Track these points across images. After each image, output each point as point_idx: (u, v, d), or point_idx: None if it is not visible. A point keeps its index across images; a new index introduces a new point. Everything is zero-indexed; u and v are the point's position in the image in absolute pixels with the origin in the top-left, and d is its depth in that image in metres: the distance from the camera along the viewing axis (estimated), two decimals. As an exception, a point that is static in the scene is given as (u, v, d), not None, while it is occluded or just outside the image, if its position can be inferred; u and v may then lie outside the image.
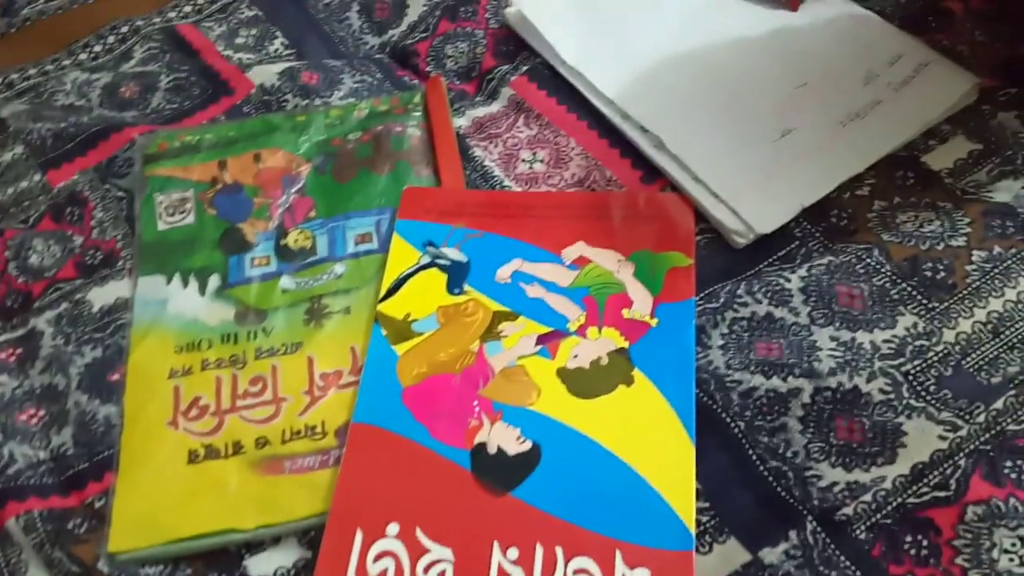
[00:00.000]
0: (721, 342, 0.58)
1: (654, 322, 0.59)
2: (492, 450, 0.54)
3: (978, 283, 0.57)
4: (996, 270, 0.58)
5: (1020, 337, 0.55)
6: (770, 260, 0.62)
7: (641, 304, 0.60)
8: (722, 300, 0.60)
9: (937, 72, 0.69)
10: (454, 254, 0.63)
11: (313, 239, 0.66)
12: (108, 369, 0.62)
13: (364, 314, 0.61)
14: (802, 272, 0.60)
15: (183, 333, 0.61)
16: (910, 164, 0.65)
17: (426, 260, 0.63)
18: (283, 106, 0.76)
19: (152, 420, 0.57)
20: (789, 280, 0.60)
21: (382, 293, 0.62)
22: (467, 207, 0.66)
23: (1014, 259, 0.58)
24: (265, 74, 0.79)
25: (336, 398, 0.57)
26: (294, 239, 0.66)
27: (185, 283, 0.64)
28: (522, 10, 0.77)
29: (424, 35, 0.81)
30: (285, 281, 0.64)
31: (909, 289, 0.58)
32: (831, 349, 0.56)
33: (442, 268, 0.63)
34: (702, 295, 0.61)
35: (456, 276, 0.62)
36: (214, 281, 0.64)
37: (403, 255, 0.63)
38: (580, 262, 0.62)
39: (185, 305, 0.63)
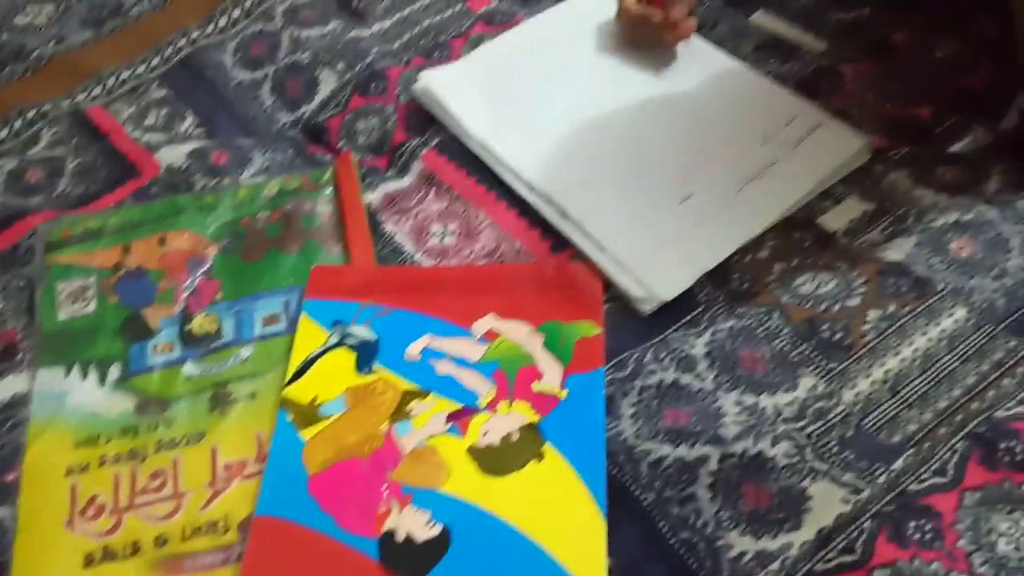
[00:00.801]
0: (631, 411, 0.58)
1: (564, 394, 0.59)
2: (400, 537, 0.53)
3: (874, 342, 0.59)
4: (891, 329, 0.59)
5: (917, 394, 0.57)
6: (676, 326, 0.62)
7: (551, 376, 0.60)
8: (630, 369, 0.60)
9: (829, 133, 0.71)
10: (363, 332, 0.63)
11: (219, 323, 0.65)
12: (3, 470, 0.59)
13: (270, 399, 0.60)
14: (707, 337, 0.61)
15: (81, 428, 0.59)
16: (807, 226, 0.66)
17: (334, 340, 0.62)
18: (191, 187, 0.76)
19: (48, 522, 0.55)
20: (694, 346, 0.61)
21: (288, 376, 0.61)
22: (377, 284, 0.66)
23: (908, 317, 0.60)
24: (173, 155, 0.78)
25: (240, 489, 0.56)
26: (199, 324, 0.65)
27: (84, 374, 0.62)
28: (430, 85, 0.78)
29: (336, 111, 0.82)
30: (189, 368, 0.62)
31: (808, 351, 0.59)
32: (736, 414, 0.57)
33: (351, 347, 0.62)
34: (612, 364, 0.61)
35: (365, 355, 0.62)
36: (114, 371, 0.62)
37: (311, 336, 0.63)
38: (490, 335, 0.62)
39: (84, 398, 0.61)
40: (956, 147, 0.70)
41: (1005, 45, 0.70)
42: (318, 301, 0.65)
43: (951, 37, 0.76)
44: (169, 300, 0.66)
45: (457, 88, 0.77)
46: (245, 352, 0.63)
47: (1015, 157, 0.68)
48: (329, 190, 0.74)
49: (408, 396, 0.59)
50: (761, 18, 0.83)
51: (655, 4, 0.76)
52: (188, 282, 0.67)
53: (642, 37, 0.78)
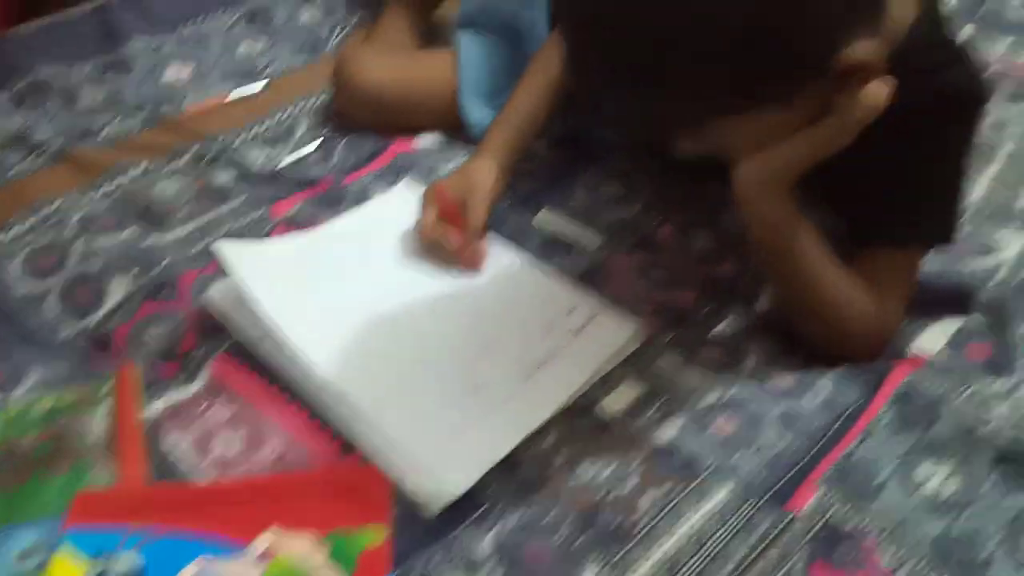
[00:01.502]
0: (417, 620, 0.56)
1: (346, 610, 0.56)
2: None
3: (650, 526, 0.60)
4: (665, 510, 0.61)
5: (695, 573, 0.58)
6: (465, 524, 0.62)
7: (334, 592, 0.58)
8: (418, 574, 0.59)
9: (606, 321, 0.76)
10: (128, 562, 0.58)
11: (-33, 562, 0.59)
12: None
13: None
14: (494, 533, 0.61)
15: None
16: (587, 412, 0.69)
17: (94, 573, 0.58)
18: (-45, 409, 0.71)
19: None
20: (482, 542, 0.60)
21: (41, 619, 0.55)
22: (148, 505, 0.62)
23: (680, 497, 0.62)
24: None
25: None
26: (-57, 566, 0.59)
27: None
28: (220, 290, 0.78)
29: (124, 319, 0.80)
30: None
31: (590, 540, 0.60)
32: (521, 614, 0.56)
33: (115, 578, 0.58)
34: (400, 569, 0.59)
35: (131, 586, 0.57)
36: None
37: (67, 573, 0.58)
38: (270, 553, 0.60)
39: None
40: (717, 330, 0.76)
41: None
42: (81, 530, 0.60)
43: (706, 231, 0.85)
44: (-89, 540, 0.60)
45: (248, 292, 0.78)
46: (-5, 593, 0.57)
47: (768, 337, 0.75)
48: (107, 404, 0.71)
49: (178, 627, 0.55)
50: (544, 217, 0.89)
51: (453, 222, 0.81)
52: (-64, 517, 0.62)
53: (438, 254, 0.82)
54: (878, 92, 0.58)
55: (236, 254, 0.77)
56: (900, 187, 0.69)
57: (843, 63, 0.56)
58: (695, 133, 0.62)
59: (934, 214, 0.71)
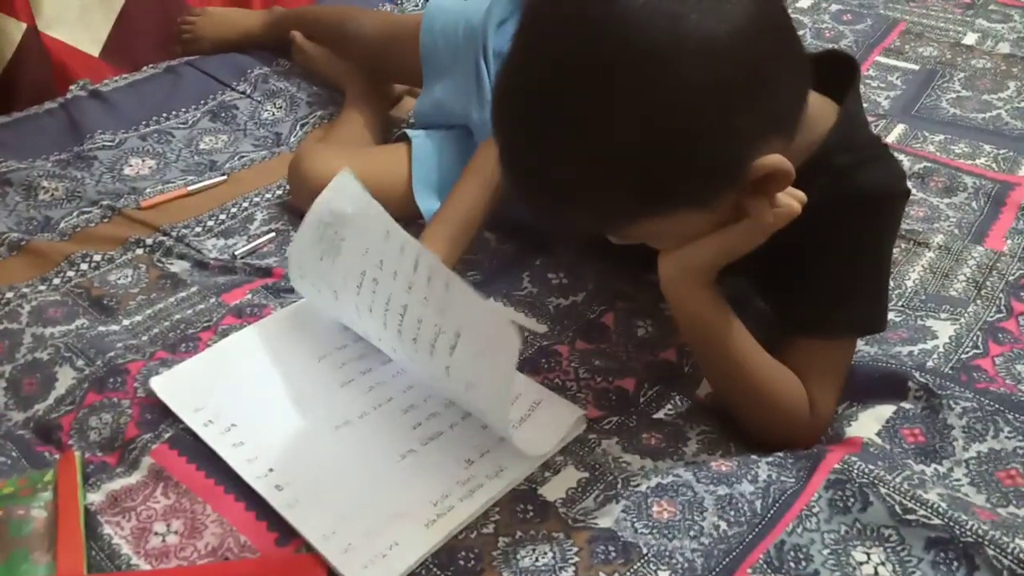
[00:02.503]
0: None
1: None
2: None
3: (586, 612, 0.60)
4: (602, 597, 0.61)
5: (631, 663, 0.58)
6: (401, 614, 0.61)
7: None
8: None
9: (549, 408, 0.77)
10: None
11: None
12: None
13: None
14: (430, 623, 0.60)
15: None
16: (529, 497, 0.70)
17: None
18: None
19: None
20: (418, 634, 0.60)
21: None
22: (79, 597, 0.61)
23: (617, 583, 0.62)
24: None
25: None
26: None
27: None
28: (168, 376, 0.79)
29: (70, 407, 0.80)
30: None
31: (526, 628, 0.59)
32: None
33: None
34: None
35: None
36: None
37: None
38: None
39: None
40: (658, 415, 0.77)
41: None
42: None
43: (648, 319, 0.87)
44: None
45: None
46: None
47: (708, 422, 0.76)
48: (48, 493, 0.70)
49: None
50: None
51: None
52: None
53: None
54: (790, 202, 0.62)
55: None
56: (826, 280, 0.72)
57: (753, 174, 0.59)
58: (616, 233, 0.66)
59: (861, 304, 0.73)
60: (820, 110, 0.70)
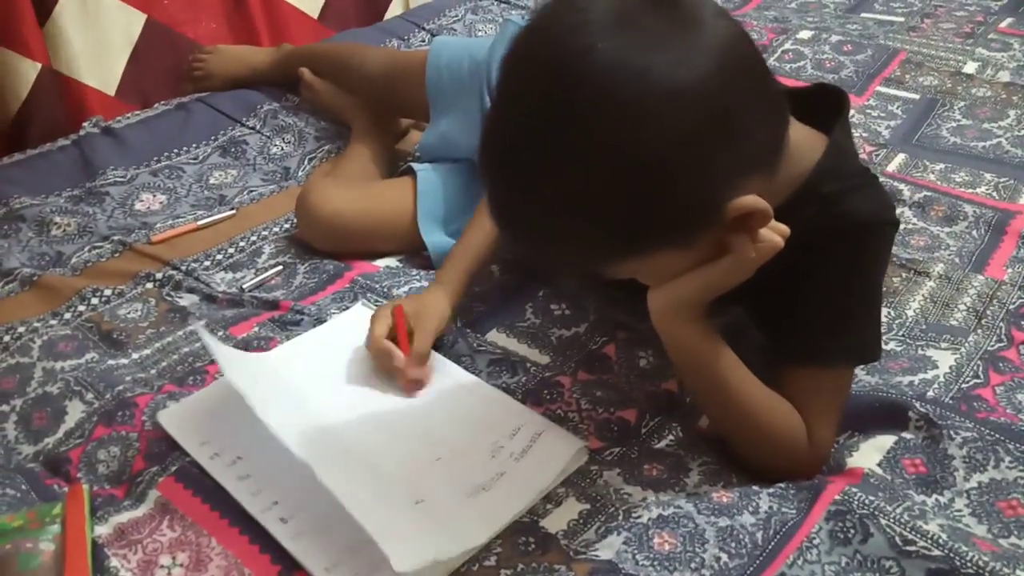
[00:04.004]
0: None
1: None
2: None
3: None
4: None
5: None
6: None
7: None
8: None
9: (551, 439, 0.77)
10: None
11: None
12: None
13: None
14: (431, 656, 0.61)
15: None
16: (531, 529, 0.70)
17: None
18: (-101, 534, 0.71)
19: None
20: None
21: None
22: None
23: (617, 615, 0.62)
24: None
25: None
26: None
27: None
28: (175, 409, 0.80)
29: (79, 441, 0.81)
30: None
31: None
32: None
33: None
34: None
35: None
36: None
37: None
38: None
39: None
40: (659, 446, 0.78)
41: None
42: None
43: (649, 349, 0.88)
44: None
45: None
46: None
47: (710, 453, 0.76)
48: (56, 526, 0.71)
49: None
50: (494, 336, 0.92)
51: (401, 344, 0.84)
52: None
53: (386, 367, 0.85)
54: (771, 237, 0.63)
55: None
56: (818, 308, 0.73)
57: (730, 214, 0.60)
58: (601, 272, 0.67)
59: (853, 333, 0.74)
60: (808, 141, 0.71)
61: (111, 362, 0.91)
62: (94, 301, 1.00)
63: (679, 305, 0.69)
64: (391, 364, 0.83)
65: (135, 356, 0.92)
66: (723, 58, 0.58)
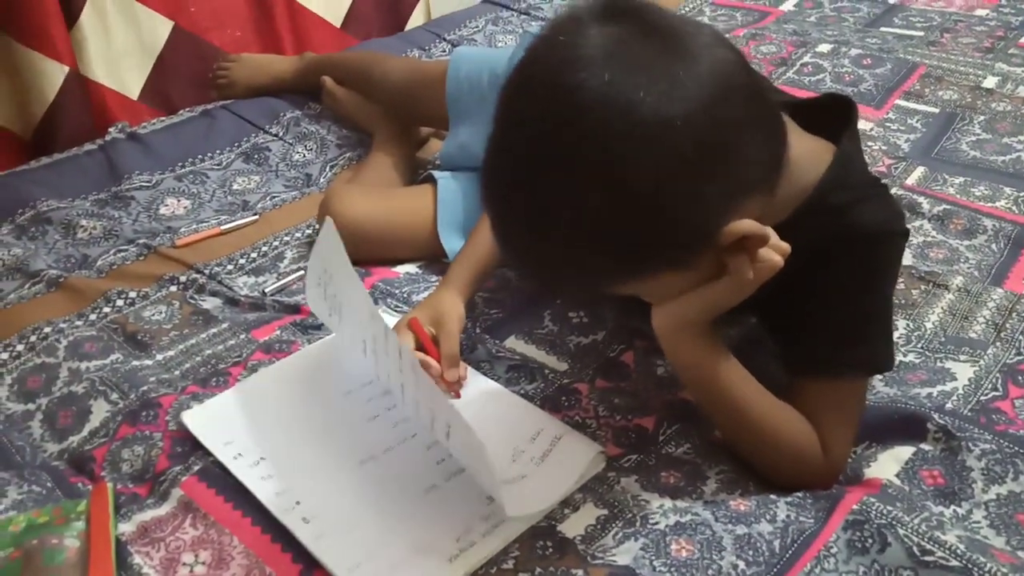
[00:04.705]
0: None
1: None
2: None
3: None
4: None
5: None
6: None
7: None
8: None
9: (570, 444, 0.78)
10: None
11: None
12: None
13: None
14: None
15: None
16: (549, 533, 0.71)
17: None
18: (-71, 529, 0.72)
19: None
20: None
21: None
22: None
23: (635, 620, 0.63)
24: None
25: None
26: None
27: None
28: (199, 410, 0.81)
29: (103, 440, 0.82)
30: None
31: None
32: None
33: None
34: None
35: None
36: None
37: None
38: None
39: None
40: (677, 452, 0.78)
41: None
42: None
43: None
44: None
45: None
46: None
47: (727, 461, 0.77)
48: (80, 523, 0.72)
49: None
50: (513, 343, 0.93)
51: (429, 352, 0.85)
52: None
53: None
54: (770, 257, 0.64)
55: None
56: (828, 319, 0.73)
57: (727, 238, 0.61)
58: (604, 291, 0.69)
59: (864, 343, 0.74)
60: (815, 152, 0.72)
61: (135, 363, 0.92)
62: (119, 303, 1.02)
63: (682, 323, 0.70)
64: (427, 374, 0.84)
65: (159, 357, 0.94)
66: (714, 87, 0.59)
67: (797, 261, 0.65)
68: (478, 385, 0.86)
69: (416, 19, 1.88)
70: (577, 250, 0.61)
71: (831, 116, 0.75)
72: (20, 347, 0.95)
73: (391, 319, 0.92)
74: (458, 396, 0.84)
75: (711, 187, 0.60)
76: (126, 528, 0.73)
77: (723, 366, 0.72)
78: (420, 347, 0.85)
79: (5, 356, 0.94)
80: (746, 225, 0.62)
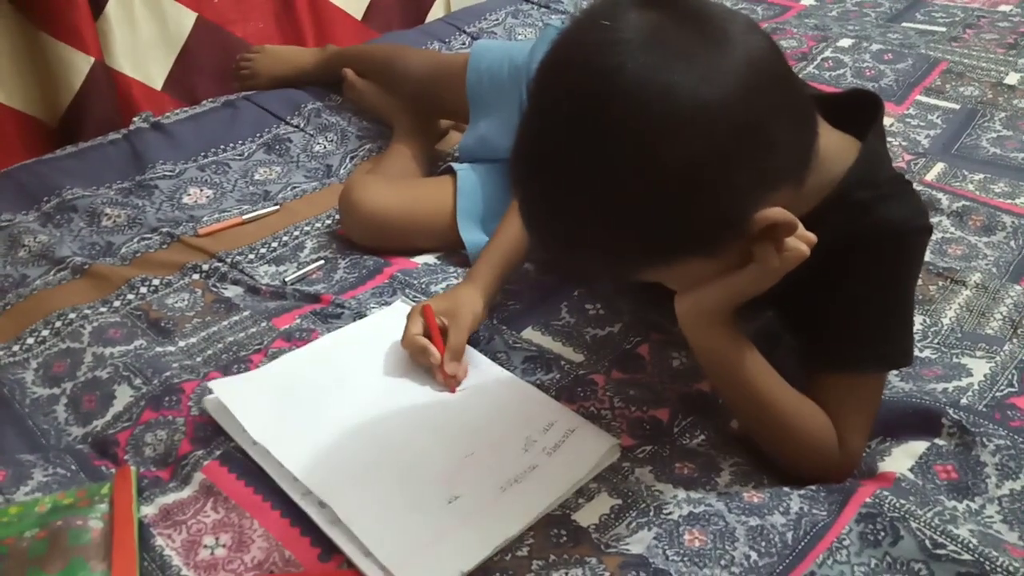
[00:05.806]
0: None
1: None
2: None
3: (616, 636, 0.61)
4: (627, 621, 0.62)
5: None
6: (437, 631, 0.63)
7: None
8: None
9: (583, 435, 0.79)
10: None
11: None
12: None
13: None
14: (463, 641, 0.62)
15: None
16: (563, 522, 0.71)
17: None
18: (-42, 507, 0.74)
19: None
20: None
21: None
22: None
23: (647, 608, 0.63)
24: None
25: None
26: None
27: None
28: (219, 395, 0.83)
29: (127, 424, 0.84)
30: None
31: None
32: None
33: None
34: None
35: None
36: None
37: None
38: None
39: None
40: (692, 444, 0.79)
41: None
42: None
43: (682, 350, 0.89)
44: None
45: (245, 397, 0.82)
46: None
47: (741, 453, 0.77)
48: (104, 505, 0.74)
49: None
50: (530, 334, 0.94)
51: (436, 341, 0.86)
52: (-72, 611, 0.64)
53: (423, 363, 0.87)
54: (797, 246, 0.64)
55: (227, 389, 0.83)
56: (850, 315, 0.73)
57: (756, 225, 0.62)
58: (628, 279, 0.69)
59: (885, 339, 0.74)
60: (841, 148, 0.72)
61: (159, 349, 0.94)
62: (143, 290, 1.03)
63: (705, 311, 0.70)
64: (427, 360, 0.85)
65: (182, 344, 0.95)
66: (750, 73, 0.59)
67: (818, 256, 0.65)
68: (493, 375, 0.87)
69: (436, 12, 1.89)
70: (605, 233, 0.61)
71: (856, 111, 0.75)
72: (45, 332, 0.97)
73: (407, 308, 0.93)
74: (453, 391, 0.85)
75: (743, 174, 0.60)
76: (148, 511, 0.75)
77: (744, 356, 0.72)
78: (427, 334, 0.86)
79: (31, 341, 0.96)
80: (775, 213, 0.62)
